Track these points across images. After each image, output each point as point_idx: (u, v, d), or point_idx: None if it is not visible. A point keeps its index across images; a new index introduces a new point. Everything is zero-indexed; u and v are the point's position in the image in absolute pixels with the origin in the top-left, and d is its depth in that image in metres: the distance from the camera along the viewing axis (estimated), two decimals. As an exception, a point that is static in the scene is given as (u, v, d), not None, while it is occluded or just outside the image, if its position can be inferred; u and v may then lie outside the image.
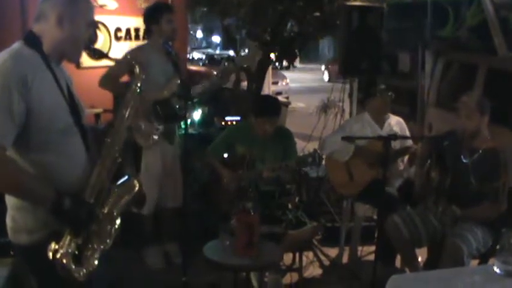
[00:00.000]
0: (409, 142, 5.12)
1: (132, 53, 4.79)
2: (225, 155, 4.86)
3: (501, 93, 5.81)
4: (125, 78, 4.70)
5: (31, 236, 2.43)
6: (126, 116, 2.64)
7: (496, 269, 2.66)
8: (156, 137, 4.66)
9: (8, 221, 2.50)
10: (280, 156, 4.65)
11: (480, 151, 4.14)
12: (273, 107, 4.70)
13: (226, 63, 5.01)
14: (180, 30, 4.97)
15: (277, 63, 9.29)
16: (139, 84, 2.70)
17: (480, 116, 4.11)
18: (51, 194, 2.32)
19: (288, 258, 4.84)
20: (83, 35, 2.52)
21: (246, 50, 10.40)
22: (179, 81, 4.44)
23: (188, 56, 17.37)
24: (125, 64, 4.09)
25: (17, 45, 2.42)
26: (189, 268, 4.18)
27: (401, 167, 5.15)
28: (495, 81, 6.40)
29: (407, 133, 5.21)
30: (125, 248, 2.95)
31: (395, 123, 5.11)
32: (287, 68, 11.53)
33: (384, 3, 7.56)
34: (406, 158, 5.10)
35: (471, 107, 4.10)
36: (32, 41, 2.43)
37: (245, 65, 5.12)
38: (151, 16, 4.82)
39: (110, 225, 2.53)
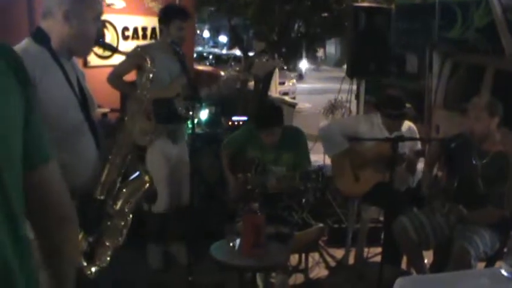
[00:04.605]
0: (418, 145, 5.08)
1: (142, 47, 4.78)
2: (235, 157, 4.84)
3: (508, 94, 5.78)
4: (131, 77, 4.71)
5: None
6: (138, 111, 2.64)
7: (504, 272, 2.65)
8: (153, 136, 4.65)
9: None
10: (292, 160, 4.64)
11: (490, 154, 4.11)
12: (271, 118, 4.60)
13: (236, 68, 4.99)
14: (187, 29, 4.95)
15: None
16: (150, 76, 2.69)
17: (490, 118, 4.07)
18: None
19: (293, 259, 4.84)
20: (91, 29, 2.50)
21: (265, 58, 10.39)
22: (187, 82, 4.43)
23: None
24: (135, 57, 4.08)
25: (25, 42, 2.42)
26: (195, 268, 4.19)
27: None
28: (503, 82, 6.37)
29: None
30: (131, 247, 2.94)
31: (406, 129, 5.01)
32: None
33: (392, 4, 7.57)
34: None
35: (480, 109, 4.08)
36: (40, 37, 2.42)
37: (260, 73, 5.07)
38: (162, 15, 4.82)
39: (121, 222, 2.53)
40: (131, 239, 2.62)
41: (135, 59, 4.11)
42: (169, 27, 4.70)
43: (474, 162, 4.16)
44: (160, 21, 4.84)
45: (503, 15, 6.62)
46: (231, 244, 3.87)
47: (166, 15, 4.77)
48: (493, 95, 5.41)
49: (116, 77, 4.71)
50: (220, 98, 6.74)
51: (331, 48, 38.93)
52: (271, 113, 4.66)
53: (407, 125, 5.06)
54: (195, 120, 4.60)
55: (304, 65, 31.03)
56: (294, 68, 28.30)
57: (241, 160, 4.79)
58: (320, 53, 33.73)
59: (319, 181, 4.33)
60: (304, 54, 23.55)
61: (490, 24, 6.81)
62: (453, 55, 7.65)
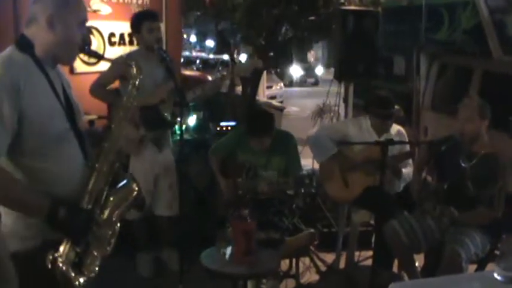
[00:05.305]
0: (407, 148, 5.06)
1: (127, 54, 4.77)
2: (226, 162, 4.79)
3: (496, 96, 5.79)
4: (114, 85, 4.67)
5: (23, 243, 2.38)
6: (124, 119, 2.60)
7: (497, 276, 2.62)
8: (141, 144, 4.61)
9: (1, 227, 2.46)
10: (283, 164, 4.61)
11: (479, 156, 4.11)
12: (263, 126, 4.54)
13: (224, 73, 4.96)
14: (174, 34, 4.94)
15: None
16: (136, 83, 2.65)
17: (480, 119, 4.08)
18: (45, 205, 2.28)
19: (284, 264, 4.80)
20: (75, 36, 2.46)
21: (244, 56, 10.38)
22: (174, 88, 4.40)
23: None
24: (121, 65, 4.05)
25: (8, 50, 2.38)
26: (186, 275, 4.15)
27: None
28: (490, 84, 6.39)
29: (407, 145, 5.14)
30: (121, 255, 2.92)
31: (395, 133, 4.99)
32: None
33: (379, 6, 7.57)
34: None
35: (472, 110, 4.07)
36: (24, 45, 2.38)
37: (243, 74, 5.03)
38: (132, 26, 4.81)
39: (109, 231, 2.50)
40: (119, 247, 2.59)
41: (120, 67, 4.07)
42: (141, 33, 4.69)
43: (463, 164, 4.16)
44: (132, 31, 4.85)
45: (490, 17, 6.64)
46: (221, 252, 3.84)
47: (135, 22, 4.76)
48: (481, 96, 5.41)
49: (99, 86, 4.68)
50: (208, 103, 6.71)
51: (318, 51, 39.02)
52: (263, 121, 4.59)
53: (396, 128, 5.04)
54: (183, 126, 4.56)
55: (296, 71, 30.40)
56: (282, 75, 28.39)
57: (231, 164, 4.76)
58: (312, 56, 33.72)
59: (312, 186, 4.30)
60: (294, 59, 23.85)
61: (477, 26, 6.83)
62: (440, 57, 7.67)
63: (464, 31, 7.15)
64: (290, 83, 28.90)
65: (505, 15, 6.69)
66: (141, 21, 4.69)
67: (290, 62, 26.12)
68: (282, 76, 27.31)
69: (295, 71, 29.30)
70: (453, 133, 4.26)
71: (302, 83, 29.04)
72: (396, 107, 4.99)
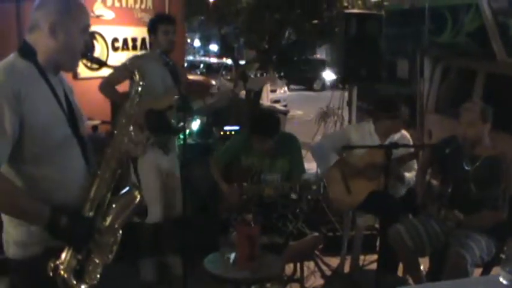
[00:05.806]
0: (411, 149, 5.04)
1: (131, 59, 4.80)
2: (230, 167, 4.77)
3: (500, 98, 5.78)
4: (124, 88, 4.67)
5: (25, 250, 2.38)
6: (126, 125, 2.59)
7: (502, 280, 2.61)
8: (145, 147, 4.61)
9: (3, 234, 2.45)
10: (287, 167, 4.59)
11: (481, 159, 4.11)
12: (266, 126, 4.50)
13: (228, 77, 4.98)
14: (177, 39, 4.95)
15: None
16: (139, 89, 2.64)
17: (482, 123, 4.08)
18: (46, 213, 2.27)
19: (289, 268, 4.78)
20: (77, 43, 2.44)
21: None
22: (178, 94, 4.39)
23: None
24: (125, 70, 4.06)
25: (11, 57, 2.36)
26: (190, 280, 4.14)
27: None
28: (494, 86, 6.37)
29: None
30: (123, 262, 2.90)
31: (398, 137, 4.99)
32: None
33: (382, 10, 7.55)
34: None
35: (474, 114, 4.06)
36: (27, 52, 2.37)
37: (255, 88, 5.04)
38: (149, 27, 4.91)
39: (111, 238, 2.49)
40: (121, 252, 2.58)
41: (125, 71, 4.08)
42: (157, 35, 4.78)
43: (466, 167, 4.16)
44: (149, 33, 4.92)
45: (493, 19, 6.63)
46: (226, 257, 3.83)
47: (152, 25, 4.86)
48: (484, 98, 5.41)
49: (108, 85, 4.71)
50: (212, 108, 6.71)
51: (322, 55, 38.97)
52: (267, 122, 4.56)
53: (399, 133, 5.02)
54: (187, 131, 4.57)
55: (328, 76, 28.97)
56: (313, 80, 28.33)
57: (236, 169, 4.73)
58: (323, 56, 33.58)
59: (320, 193, 4.29)
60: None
61: (481, 28, 6.81)
62: (444, 59, 7.66)
63: (468, 33, 7.14)
64: (322, 87, 28.82)
65: (509, 17, 6.67)
66: (157, 23, 4.81)
67: (323, 67, 26.16)
68: (313, 80, 27.53)
69: (328, 75, 29.20)
70: (455, 135, 4.26)
71: (334, 87, 28.88)
72: (403, 108, 4.99)
